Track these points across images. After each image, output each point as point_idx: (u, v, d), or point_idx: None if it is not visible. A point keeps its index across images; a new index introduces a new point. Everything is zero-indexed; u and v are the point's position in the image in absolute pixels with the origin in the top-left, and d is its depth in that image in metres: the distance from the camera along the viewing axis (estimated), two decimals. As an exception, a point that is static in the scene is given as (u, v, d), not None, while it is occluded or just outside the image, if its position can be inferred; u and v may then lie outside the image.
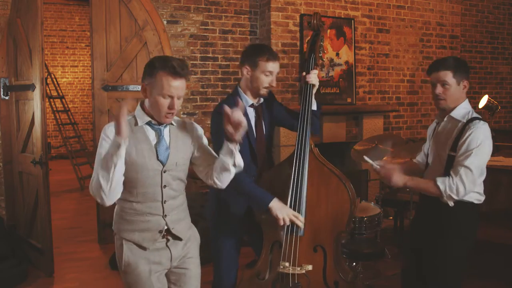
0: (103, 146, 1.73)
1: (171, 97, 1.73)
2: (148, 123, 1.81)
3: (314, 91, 2.28)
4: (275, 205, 2.06)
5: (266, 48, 2.24)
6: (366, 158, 2.25)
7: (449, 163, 2.11)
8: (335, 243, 2.15)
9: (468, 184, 2.02)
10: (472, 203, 2.12)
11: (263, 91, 2.22)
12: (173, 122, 1.87)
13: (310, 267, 2.11)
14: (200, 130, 1.98)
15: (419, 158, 2.46)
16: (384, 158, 3.26)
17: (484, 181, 2.14)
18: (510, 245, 4.13)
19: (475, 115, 2.15)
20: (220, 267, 2.31)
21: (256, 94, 2.25)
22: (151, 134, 1.81)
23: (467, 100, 2.20)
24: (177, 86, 1.72)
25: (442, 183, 2.05)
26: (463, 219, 2.12)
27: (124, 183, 1.76)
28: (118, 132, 1.60)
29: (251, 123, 2.25)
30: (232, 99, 2.23)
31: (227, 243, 2.29)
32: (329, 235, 2.13)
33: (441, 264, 2.13)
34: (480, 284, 3.15)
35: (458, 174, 2.03)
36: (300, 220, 2.07)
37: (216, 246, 2.32)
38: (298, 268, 2.09)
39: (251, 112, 2.26)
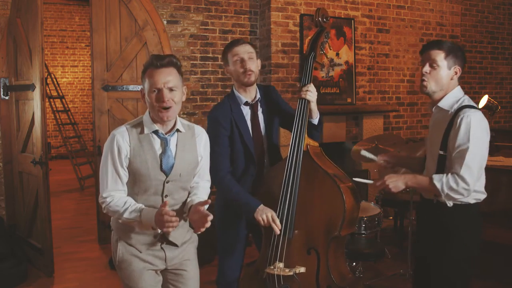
0: (115, 160, 1.75)
1: (158, 89, 1.72)
2: (155, 132, 1.79)
3: (313, 106, 2.20)
4: (260, 208, 2.07)
5: (231, 41, 2.26)
6: (358, 179, 2.12)
7: (440, 163, 1.96)
8: (331, 246, 2.09)
9: (471, 182, 1.84)
10: (468, 204, 1.95)
11: (244, 79, 2.18)
12: (182, 129, 1.84)
13: (303, 269, 2.08)
14: (208, 143, 1.97)
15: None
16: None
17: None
18: (510, 245, 4.14)
19: (466, 102, 1.94)
20: (225, 264, 2.31)
21: (244, 85, 2.22)
22: (157, 143, 1.80)
23: (458, 88, 2.01)
24: (160, 76, 1.71)
25: (438, 181, 1.89)
26: (461, 223, 1.96)
27: (128, 188, 1.80)
28: (164, 228, 1.66)
29: (246, 122, 2.24)
30: (227, 102, 2.25)
31: (233, 240, 2.29)
32: (322, 238, 2.08)
33: (445, 271, 2.01)
34: (480, 284, 3.15)
35: (457, 172, 1.85)
36: (276, 225, 2.04)
37: (222, 243, 2.32)
38: (287, 270, 2.06)
39: (246, 110, 2.26)
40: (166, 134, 1.81)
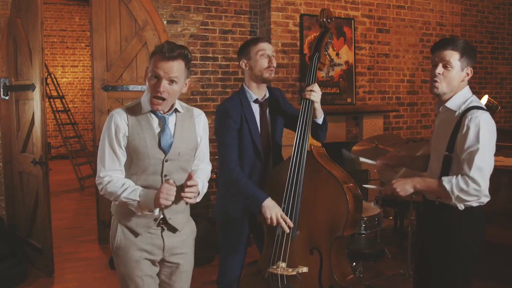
0: (112, 139, 1.76)
1: (158, 77, 1.72)
2: (153, 111, 1.80)
3: (317, 106, 2.21)
4: (267, 204, 2.05)
5: (255, 37, 2.29)
6: (367, 186, 2.18)
7: (446, 164, 1.91)
8: (334, 246, 2.09)
9: (482, 184, 1.78)
10: (471, 207, 1.91)
11: (267, 74, 2.21)
12: (180, 109, 1.86)
13: (305, 269, 2.08)
14: (206, 124, 1.98)
15: None
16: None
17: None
18: (510, 245, 4.14)
19: (474, 103, 1.90)
20: (227, 263, 2.31)
21: (261, 81, 2.23)
22: (155, 122, 1.81)
23: (467, 88, 1.96)
24: (164, 67, 1.72)
25: (448, 182, 1.83)
26: (463, 225, 1.93)
27: (126, 169, 1.80)
28: (158, 204, 1.70)
29: (255, 119, 2.24)
30: (237, 97, 2.25)
31: (235, 240, 2.29)
32: (325, 238, 2.08)
33: (446, 271, 2.00)
34: (480, 284, 3.15)
35: (466, 173, 1.79)
36: (287, 224, 2.03)
37: (223, 242, 2.33)
38: (290, 270, 2.06)
39: (256, 108, 2.26)
40: (164, 114, 1.82)
